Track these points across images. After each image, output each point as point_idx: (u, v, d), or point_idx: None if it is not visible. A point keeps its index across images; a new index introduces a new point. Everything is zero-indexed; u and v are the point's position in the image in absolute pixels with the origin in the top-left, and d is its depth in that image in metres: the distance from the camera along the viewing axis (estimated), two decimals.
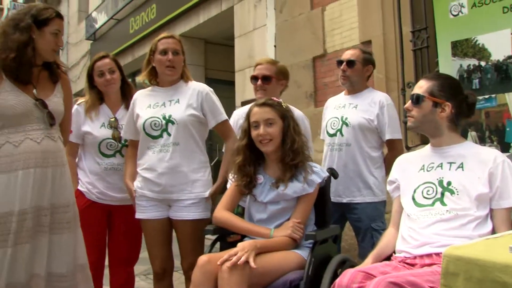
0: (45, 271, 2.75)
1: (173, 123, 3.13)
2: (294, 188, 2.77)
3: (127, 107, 3.60)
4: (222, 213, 2.87)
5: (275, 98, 2.96)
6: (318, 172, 2.84)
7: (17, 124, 2.73)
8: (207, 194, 3.17)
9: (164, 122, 3.15)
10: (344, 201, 3.55)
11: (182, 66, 3.29)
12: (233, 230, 2.88)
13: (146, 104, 3.28)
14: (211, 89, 3.30)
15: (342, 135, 3.57)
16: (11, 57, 2.69)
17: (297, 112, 3.41)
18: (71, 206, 2.90)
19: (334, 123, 3.64)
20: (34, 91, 2.81)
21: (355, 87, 3.66)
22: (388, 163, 3.44)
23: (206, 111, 3.21)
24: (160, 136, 3.16)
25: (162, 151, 3.15)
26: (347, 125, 3.56)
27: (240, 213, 3.07)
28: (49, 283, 2.77)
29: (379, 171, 3.54)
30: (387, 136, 3.52)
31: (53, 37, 2.81)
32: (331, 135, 3.65)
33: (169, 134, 3.14)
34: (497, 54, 3.55)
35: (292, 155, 2.80)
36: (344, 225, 3.75)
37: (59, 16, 2.87)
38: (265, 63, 3.49)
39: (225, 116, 3.25)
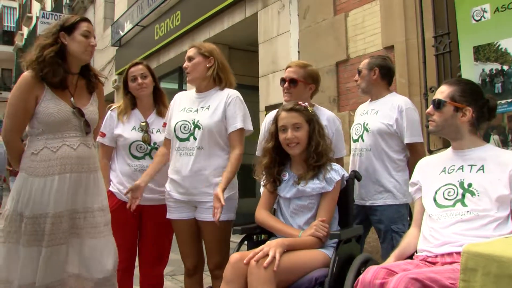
0: (78, 271, 2.89)
1: (199, 128, 3.23)
2: (313, 185, 2.89)
3: (158, 112, 3.74)
4: (260, 212, 3.04)
5: (301, 103, 3.06)
6: (337, 170, 2.94)
7: (56, 130, 2.89)
8: (230, 196, 3.26)
9: (192, 126, 3.26)
10: (367, 204, 3.61)
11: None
12: (268, 229, 3.00)
13: (182, 107, 3.40)
14: (241, 97, 3.34)
15: (363, 140, 3.66)
16: (47, 66, 2.85)
17: (328, 113, 3.51)
18: (105, 211, 3.04)
19: (357, 130, 3.74)
20: (72, 99, 2.96)
21: (370, 93, 3.77)
22: (410, 166, 3.48)
23: (227, 116, 3.26)
24: (187, 139, 3.27)
25: (188, 155, 3.25)
26: (367, 130, 3.64)
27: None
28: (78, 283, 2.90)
29: (401, 174, 3.58)
30: (407, 140, 3.55)
31: (83, 38, 2.96)
32: (354, 141, 3.75)
33: (195, 139, 3.24)
34: None
35: (316, 157, 2.92)
36: (370, 228, 3.82)
37: (84, 19, 3.03)
38: (294, 66, 3.52)
39: (240, 125, 3.25)
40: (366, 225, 3.75)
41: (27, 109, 2.86)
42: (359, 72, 3.74)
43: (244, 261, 2.51)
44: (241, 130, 3.26)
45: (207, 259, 3.35)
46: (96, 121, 3.12)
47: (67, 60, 2.96)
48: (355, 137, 3.74)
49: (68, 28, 2.95)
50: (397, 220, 3.52)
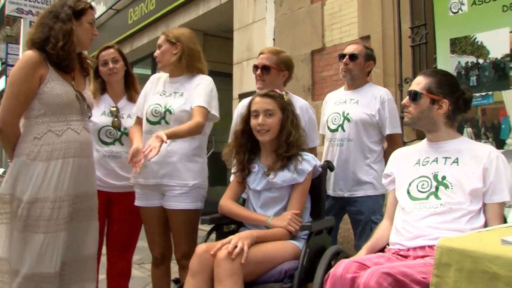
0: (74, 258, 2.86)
1: (170, 112, 3.16)
2: (283, 177, 2.82)
3: (129, 98, 3.66)
4: (225, 202, 2.96)
5: (277, 90, 2.99)
6: (309, 161, 2.88)
7: (60, 113, 2.81)
8: (201, 183, 3.21)
9: (163, 110, 3.18)
10: (346, 195, 3.59)
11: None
12: (234, 217, 2.94)
13: (157, 90, 3.33)
14: (213, 83, 3.27)
15: (343, 130, 3.60)
16: (60, 46, 2.77)
17: (302, 102, 3.45)
18: (95, 195, 3.04)
19: (335, 119, 3.67)
20: (73, 82, 2.90)
21: (355, 82, 3.69)
22: (387, 157, 3.46)
23: (193, 96, 3.18)
24: (158, 123, 3.20)
25: None
26: (349, 120, 3.58)
27: (241, 204, 3.09)
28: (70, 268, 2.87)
29: (379, 165, 3.57)
30: (388, 131, 3.55)
31: (89, 26, 2.93)
32: (332, 130, 3.68)
33: (166, 123, 3.17)
34: (495, 52, 3.58)
35: (286, 147, 2.85)
36: (342, 219, 3.80)
37: (92, 7, 3.00)
38: (267, 53, 3.44)
39: (203, 104, 3.11)
40: (340, 216, 3.74)
41: (31, 89, 2.75)
42: (354, 57, 3.63)
43: (211, 253, 2.44)
44: (204, 108, 3.12)
45: (174, 248, 3.29)
46: (93, 106, 3.10)
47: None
48: (332, 127, 3.67)
49: (77, 13, 2.88)
50: (376, 210, 3.52)
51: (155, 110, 3.20)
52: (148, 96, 3.34)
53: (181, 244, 3.19)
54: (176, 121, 3.15)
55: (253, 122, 2.89)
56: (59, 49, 2.77)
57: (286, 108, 2.91)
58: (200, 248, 2.51)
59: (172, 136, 2.95)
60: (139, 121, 3.36)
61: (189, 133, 3.07)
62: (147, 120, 3.24)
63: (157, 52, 3.31)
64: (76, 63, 2.98)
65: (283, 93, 2.99)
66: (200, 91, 3.17)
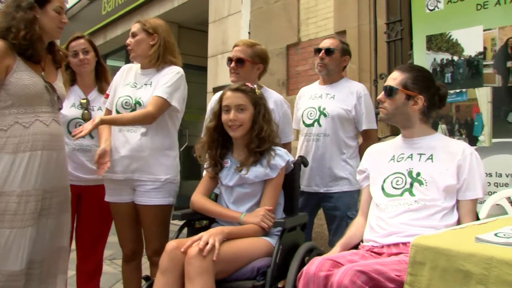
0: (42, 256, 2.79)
1: (140, 104, 3.10)
2: (256, 172, 2.78)
3: (100, 89, 3.58)
4: (197, 197, 2.90)
5: (249, 84, 2.95)
6: (282, 156, 2.84)
7: (27, 104, 2.74)
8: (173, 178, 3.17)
9: (133, 103, 3.12)
10: (322, 191, 3.57)
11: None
12: (206, 214, 2.89)
13: (127, 81, 3.26)
14: (182, 73, 3.21)
15: (320, 125, 3.57)
16: (21, 35, 2.69)
17: (276, 96, 3.41)
18: (66, 189, 2.97)
19: (311, 113, 3.64)
20: (42, 73, 2.82)
21: (331, 77, 3.66)
22: (362, 153, 3.45)
23: (157, 84, 3.12)
24: None
25: (129, 131, 3.12)
26: (325, 115, 3.56)
27: (213, 200, 3.05)
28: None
29: (355, 160, 3.56)
30: (364, 126, 3.56)
31: (56, 14, 2.82)
32: (308, 125, 3.65)
33: None
34: (469, 50, 3.60)
35: (258, 142, 2.81)
36: (316, 214, 3.78)
37: None
38: (242, 45, 3.38)
39: (162, 94, 3.03)
40: (315, 212, 3.74)
41: None
42: (330, 51, 3.60)
43: (182, 250, 2.39)
44: (161, 99, 3.04)
45: (145, 244, 3.24)
46: (65, 98, 3.01)
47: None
48: (308, 122, 3.65)
49: (42, 1, 2.78)
50: (352, 206, 3.51)
51: (126, 102, 3.14)
52: (118, 87, 3.27)
53: (152, 241, 3.14)
54: None
55: (224, 117, 2.84)
56: (21, 39, 2.69)
57: (258, 103, 2.87)
58: (170, 245, 2.46)
59: (110, 122, 2.93)
60: (106, 113, 3.30)
61: (132, 122, 3.01)
62: (117, 112, 3.17)
63: (130, 40, 3.22)
64: (46, 54, 2.91)
65: (255, 86, 2.95)
66: (164, 81, 3.11)
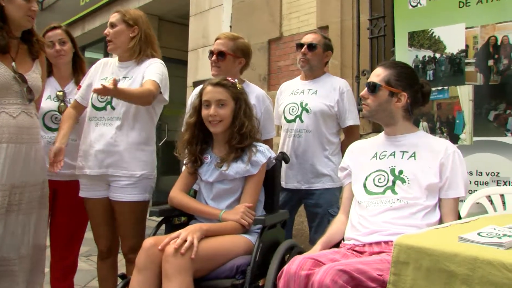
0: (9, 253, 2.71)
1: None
2: (237, 168, 2.76)
3: (77, 82, 3.49)
4: (176, 193, 2.87)
5: (230, 78, 2.91)
6: (263, 152, 2.82)
7: None
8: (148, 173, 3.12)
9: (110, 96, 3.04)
10: (303, 187, 3.56)
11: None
12: (185, 210, 2.85)
13: (104, 75, 3.19)
14: (163, 64, 3.17)
15: (302, 121, 3.56)
16: None
17: (258, 91, 3.38)
18: (41, 184, 2.90)
19: (293, 109, 3.63)
20: (13, 64, 2.75)
21: (313, 72, 3.66)
22: (344, 149, 3.44)
23: (144, 75, 3.07)
24: (103, 108, 3.09)
25: (105, 125, 3.08)
26: (307, 111, 3.55)
27: (192, 195, 3.01)
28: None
29: (337, 157, 3.56)
30: (348, 123, 3.56)
31: (24, 1, 2.75)
32: (289, 121, 3.63)
33: (112, 108, 3.07)
34: (451, 47, 3.61)
35: (239, 138, 2.78)
36: (297, 211, 3.78)
37: None
38: (224, 38, 3.34)
39: (156, 79, 3.00)
40: (296, 209, 3.73)
41: None
42: (313, 47, 3.58)
43: (159, 247, 2.34)
44: (156, 83, 2.99)
45: (121, 241, 3.20)
46: (39, 89, 2.92)
47: (7, 22, 2.73)
48: (289, 117, 3.63)
49: None
50: (333, 203, 3.51)
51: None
52: (94, 82, 3.20)
53: (128, 238, 3.10)
54: (123, 106, 3.05)
55: (204, 112, 2.81)
56: None
57: (239, 98, 2.84)
58: (148, 242, 2.41)
59: (121, 93, 2.80)
60: (75, 105, 3.24)
61: (138, 98, 2.93)
62: (92, 105, 3.12)
63: (108, 31, 3.16)
64: (21, 44, 2.85)
65: (236, 81, 2.91)
66: (151, 70, 3.06)
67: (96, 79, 3.20)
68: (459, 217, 2.45)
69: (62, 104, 3.42)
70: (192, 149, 2.89)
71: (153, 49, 3.22)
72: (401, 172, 2.44)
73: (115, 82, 2.64)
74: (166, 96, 3.11)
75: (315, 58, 3.60)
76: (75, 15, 10.77)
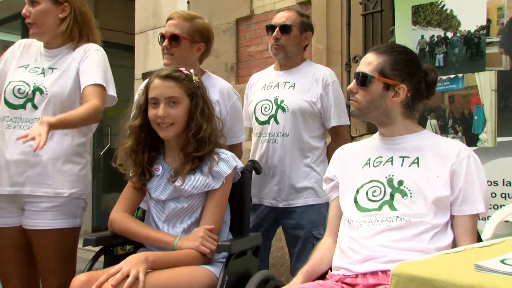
0: None
1: (41, 93, 3.03)
2: (194, 182, 2.76)
3: None
4: (118, 216, 2.85)
5: (183, 69, 2.90)
6: (228, 161, 2.83)
7: None
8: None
9: (31, 90, 3.03)
10: (280, 205, 3.58)
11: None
12: (130, 237, 2.84)
13: (22, 63, 3.17)
14: (103, 52, 3.17)
15: (277, 122, 3.57)
16: None
17: (223, 84, 3.41)
18: None
19: (266, 108, 3.64)
20: None
21: (289, 60, 3.67)
22: (331, 156, 3.46)
23: (81, 72, 3.07)
24: (22, 107, 3.06)
25: (22, 128, 3.03)
26: (283, 109, 3.56)
27: (140, 217, 3.03)
28: None
29: (322, 166, 3.58)
30: (333, 122, 3.57)
31: None
32: (262, 122, 3.64)
33: (34, 107, 3.04)
34: (468, 24, 3.60)
35: (196, 144, 2.79)
36: (274, 234, 3.80)
37: None
38: (177, 18, 3.33)
39: (99, 81, 3.03)
40: (273, 232, 3.75)
41: None
42: (287, 28, 3.59)
43: (94, 286, 2.32)
44: (100, 88, 3.02)
45: (41, 283, 3.16)
46: None
47: None
48: (262, 118, 3.64)
49: None
50: (319, 224, 3.51)
51: (19, 89, 3.05)
52: (9, 68, 3.17)
53: (51, 277, 3.07)
54: (49, 105, 3.02)
55: (151, 112, 2.80)
56: None
57: (195, 94, 2.84)
58: (78, 280, 2.40)
59: (63, 125, 2.80)
60: None
61: (84, 121, 2.94)
62: (6, 102, 3.09)
63: (28, 10, 3.12)
64: None
65: (191, 72, 2.90)
66: (89, 67, 3.06)
67: (12, 66, 3.17)
68: (479, 240, 2.45)
69: None
70: (138, 159, 2.87)
71: (91, 32, 3.22)
72: (401, 182, 2.44)
73: (48, 124, 2.63)
74: (114, 93, 3.11)
75: (291, 43, 3.61)
76: None
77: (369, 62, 2.52)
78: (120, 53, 7.97)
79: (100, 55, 3.12)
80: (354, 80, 2.54)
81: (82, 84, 3.03)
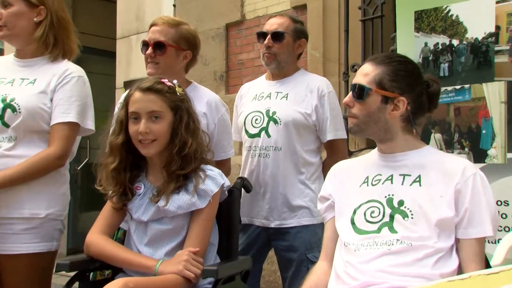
0: None
1: (14, 110, 3.00)
2: (179, 202, 2.76)
3: None
4: (95, 238, 2.84)
5: (166, 80, 2.90)
6: (214, 178, 2.84)
7: None
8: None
9: (1, 107, 3.01)
10: (272, 225, 3.58)
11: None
12: (108, 261, 2.83)
13: None
14: (85, 79, 3.18)
15: (268, 135, 3.59)
16: None
17: (210, 96, 3.42)
18: None
19: (256, 120, 3.65)
20: None
21: (282, 70, 3.68)
22: (327, 172, 3.46)
23: (55, 101, 3.06)
24: None
25: None
26: (276, 122, 3.58)
27: (121, 238, 3.03)
28: None
29: (317, 183, 3.59)
30: (329, 136, 3.58)
31: None
32: (252, 136, 3.66)
33: (5, 126, 3.01)
34: (475, 30, 3.58)
35: (181, 162, 2.79)
36: (266, 257, 3.81)
37: None
38: (162, 24, 3.35)
39: (73, 118, 3.06)
40: (265, 254, 3.75)
41: None
42: (279, 35, 3.61)
43: None
44: (71, 126, 3.05)
45: None
46: None
47: None
48: (253, 131, 3.66)
49: None
50: (314, 246, 3.51)
51: None
52: None
53: None
54: (22, 125, 3.00)
55: (132, 128, 2.80)
56: None
57: (179, 107, 2.85)
58: None
59: (4, 185, 2.85)
60: None
61: (30, 175, 2.96)
62: None
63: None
64: None
65: (174, 83, 2.90)
66: (65, 96, 3.06)
67: None
68: (487, 265, 2.45)
69: None
70: (119, 178, 2.87)
71: (69, 39, 3.22)
72: (401, 203, 2.44)
73: None
74: (92, 125, 3.14)
75: (284, 51, 3.63)
76: None
77: (366, 73, 2.52)
78: (100, 59, 7.96)
79: (79, 84, 3.12)
80: (350, 93, 2.54)
81: (52, 119, 3.04)
